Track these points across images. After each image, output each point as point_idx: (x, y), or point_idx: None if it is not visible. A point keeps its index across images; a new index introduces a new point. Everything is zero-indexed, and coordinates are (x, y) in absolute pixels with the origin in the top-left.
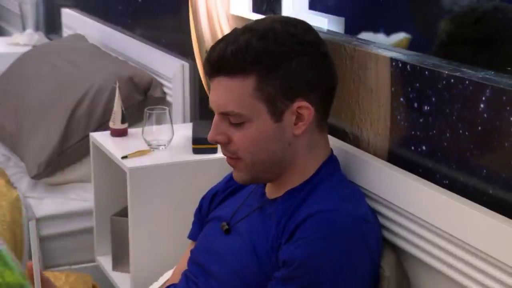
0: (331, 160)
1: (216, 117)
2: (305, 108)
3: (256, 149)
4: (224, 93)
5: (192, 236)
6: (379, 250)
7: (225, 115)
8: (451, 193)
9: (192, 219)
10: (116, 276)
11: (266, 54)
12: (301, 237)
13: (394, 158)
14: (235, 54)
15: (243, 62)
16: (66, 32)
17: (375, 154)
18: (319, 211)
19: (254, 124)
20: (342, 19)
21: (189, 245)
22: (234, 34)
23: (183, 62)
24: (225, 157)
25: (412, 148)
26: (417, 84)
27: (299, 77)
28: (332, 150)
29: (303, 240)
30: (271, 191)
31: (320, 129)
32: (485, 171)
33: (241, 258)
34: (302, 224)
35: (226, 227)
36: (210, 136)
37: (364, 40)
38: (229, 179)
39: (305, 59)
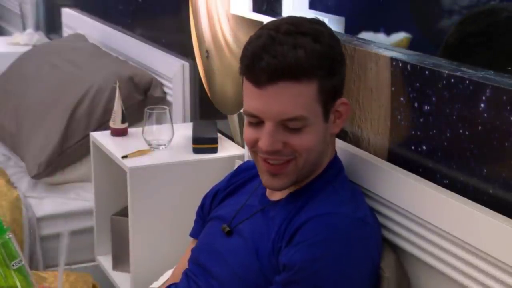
0: (336, 161)
1: (271, 125)
2: (344, 104)
3: (311, 151)
4: (290, 99)
5: (194, 234)
6: (379, 252)
7: (284, 121)
8: (451, 192)
9: (192, 218)
10: (116, 276)
11: (325, 56)
12: (301, 241)
13: (394, 158)
14: (306, 58)
15: (311, 66)
16: (66, 32)
17: (375, 153)
18: (318, 214)
19: (312, 128)
20: (342, 19)
21: (190, 243)
22: (281, 36)
23: (183, 62)
24: (265, 165)
25: (412, 147)
26: (417, 84)
27: (343, 78)
28: (336, 151)
29: (302, 244)
30: (273, 192)
31: None
32: (485, 170)
33: (242, 260)
34: (301, 227)
35: (228, 229)
36: (266, 146)
37: (364, 39)
38: (231, 177)
39: (344, 59)
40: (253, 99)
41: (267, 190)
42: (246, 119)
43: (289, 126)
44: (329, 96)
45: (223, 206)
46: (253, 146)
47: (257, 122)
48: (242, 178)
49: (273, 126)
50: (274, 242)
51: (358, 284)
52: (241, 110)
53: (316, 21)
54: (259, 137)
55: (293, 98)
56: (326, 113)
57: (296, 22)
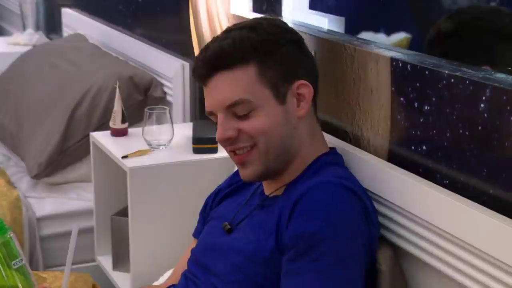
0: (332, 154)
1: (220, 116)
2: (304, 86)
3: (269, 133)
4: (228, 85)
5: (196, 234)
6: (375, 233)
7: (230, 108)
8: (451, 192)
9: (192, 218)
10: (116, 276)
11: (260, 42)
12: (301, 211)
13: (395, 158)
14: (232, 46)
15: (242, 52)
16: (66, 32)
17: (375, 153)
18: (314, 184)
19: (262, 111)
20: (342, 19)
21: (192, 242)
22: (222, 35)
23: (183, 62)
24: (234, 156)
25: (413, 147)
26: (418, 84)
27: (294, 61)
28: (336, 148)
29: (304, 215)
30: (270, 188)
31: (317, 119)
32: (485, 171)
33: (245, 254)
34: (300, 200)
35: (228, 226)
36: (219, 134)
37: (365, 39)
38: (232, 177)
39: (294, 45)
40: (206, 97)
41: (265, 187)
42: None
43: (237, 113)
44: (279, 79)
45: (223, 206)
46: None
47: (216, 119)
48: None
49: (222, 116)
50: (275, 231)
51: (358, 241)
52: None
53: (266, 18)
54: None
55: (230, 84)
56: (279, 96)
57: (244, 21)
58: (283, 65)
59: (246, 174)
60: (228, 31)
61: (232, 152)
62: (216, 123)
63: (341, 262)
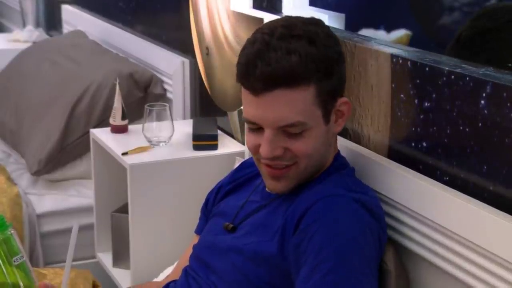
0: (339, 157)
1: (269, 132)
2: (345, 103)
3: (312, 154)
4: (287, 105)
5: (198, 231)
6: (381, 242)
7: (282, 127)
8: (451, 189)
9: (192, 215)
10: (116, 273)
11: (321, 60)
12: (310, 222)
13: (394, 155)
14: (299, 63)
15: (308, 71)
16: (66, 28)
17: (376, 150)
18: (323, 196)
19: (312, 132)
20: (342, 16)
21: (193, 239)
22: (277, 43)
23: (183, 58)
24: (267, 168)
25: (413, 144)
26: (418, 81)
27: (341, 77)
28: (338, 150)
29: (313, 226)
30: None
31: None
32: (485, 167)
33: (245, 254)
34: (307, 211)
35: (231, 226)
36: (266, 153)
37: (365, 36)
38: (234, 173)
39: (342, 59)
40: (251, 106)
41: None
42: (246, 125)
43: (289, 131)
44: (329, 97)
45: (225, 203)
46: (256, 153)
47: (257, 128)
48: (245, 174)
49: (272, 132)
50: (278, 234)
51: (372, 251)
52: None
53: (311, 21)
54: (260, 143)
55: (290, 104)
56: (326, 115)
57: (290, 24)
58: (335, 84)
59: (278, 187)
60: (282, 37)
61: (267, 166)
62: (243, 127)
63: (353, 272)
